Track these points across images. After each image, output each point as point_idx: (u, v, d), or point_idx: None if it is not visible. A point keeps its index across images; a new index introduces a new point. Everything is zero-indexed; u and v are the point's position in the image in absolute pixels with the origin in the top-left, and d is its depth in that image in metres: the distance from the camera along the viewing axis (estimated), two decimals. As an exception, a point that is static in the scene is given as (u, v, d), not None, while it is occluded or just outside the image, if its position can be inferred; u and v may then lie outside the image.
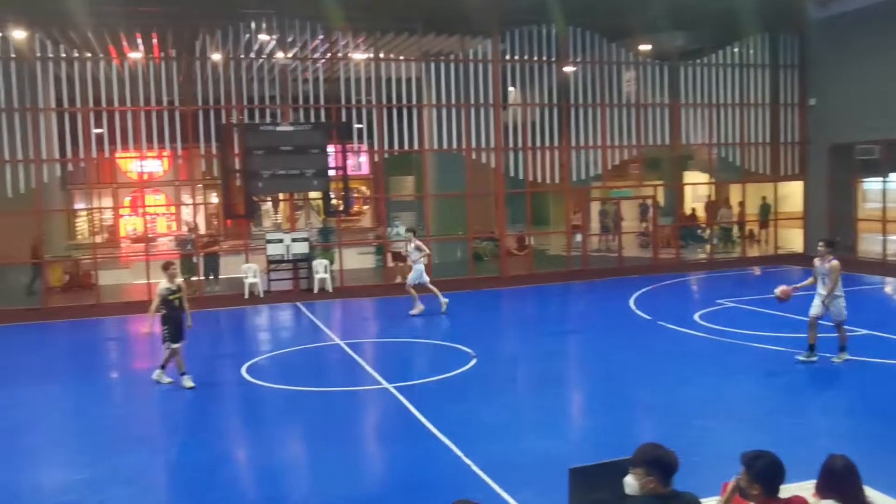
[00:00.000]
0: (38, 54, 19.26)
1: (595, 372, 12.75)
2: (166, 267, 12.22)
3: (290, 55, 21.17)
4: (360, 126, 22.23)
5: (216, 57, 20.45)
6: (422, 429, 9.63)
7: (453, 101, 21.77)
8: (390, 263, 22.26)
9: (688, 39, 24.05)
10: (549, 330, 16.37)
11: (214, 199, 33.32)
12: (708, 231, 27.34)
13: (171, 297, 11.86)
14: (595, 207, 28.52)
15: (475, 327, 16.92)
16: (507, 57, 22.24)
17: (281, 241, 20.95)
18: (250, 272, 20.56)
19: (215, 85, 20.28)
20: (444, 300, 17.69)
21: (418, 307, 17.65)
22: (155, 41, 20.12)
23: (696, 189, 30.53)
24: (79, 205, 30.81)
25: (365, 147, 24.10)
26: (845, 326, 12.05)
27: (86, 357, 15.47)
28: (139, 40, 19.79)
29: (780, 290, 11.97)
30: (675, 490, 4.33)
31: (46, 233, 20.47)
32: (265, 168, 19.75)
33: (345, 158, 21.34)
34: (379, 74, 21.54)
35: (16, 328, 17.90)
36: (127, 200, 31.55)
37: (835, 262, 11.65)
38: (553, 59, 22.34)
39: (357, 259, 24.65)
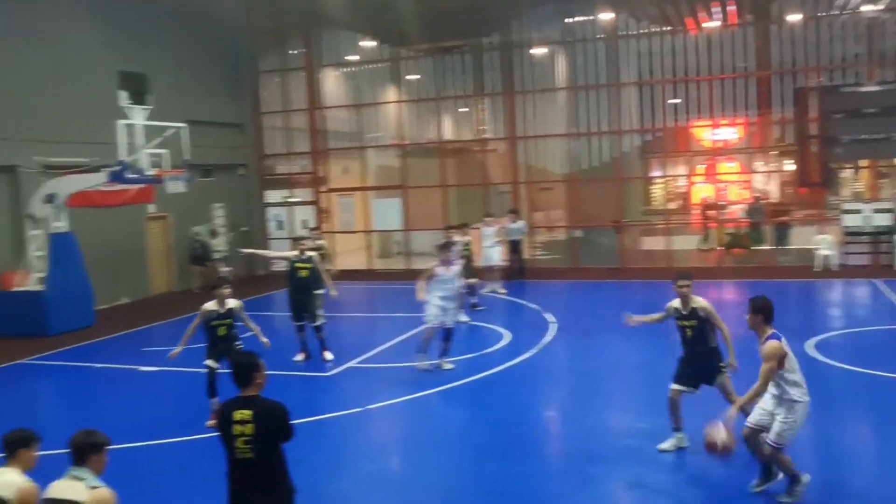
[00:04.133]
0: (622, 33, 20.84)
1: None
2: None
3: (879, 7, 19.36)
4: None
5: (794, 18, 19.73)
6: None
7: None
8: None
9: None
10: None
11: (788, 166, 32.30)
12: None
13: None
14: None
15: None
16: None
17: (860, 211, 19.59)
18: (824, 244, 19.56)
19: (792, 47, 19.65)
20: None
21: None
22: (732, 8, 20.22)
23: None
24: (654, 172, 32.55)
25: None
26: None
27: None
28: (716, 9, 20.08)
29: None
30: None
31: (626, 199, 22.11)
32: (845, 132, 18.82)
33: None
34: None
35: (599, 285, 19.85)
36: (700, 168, 32.38)
37: (771, 344, 6.60)
38: None
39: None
